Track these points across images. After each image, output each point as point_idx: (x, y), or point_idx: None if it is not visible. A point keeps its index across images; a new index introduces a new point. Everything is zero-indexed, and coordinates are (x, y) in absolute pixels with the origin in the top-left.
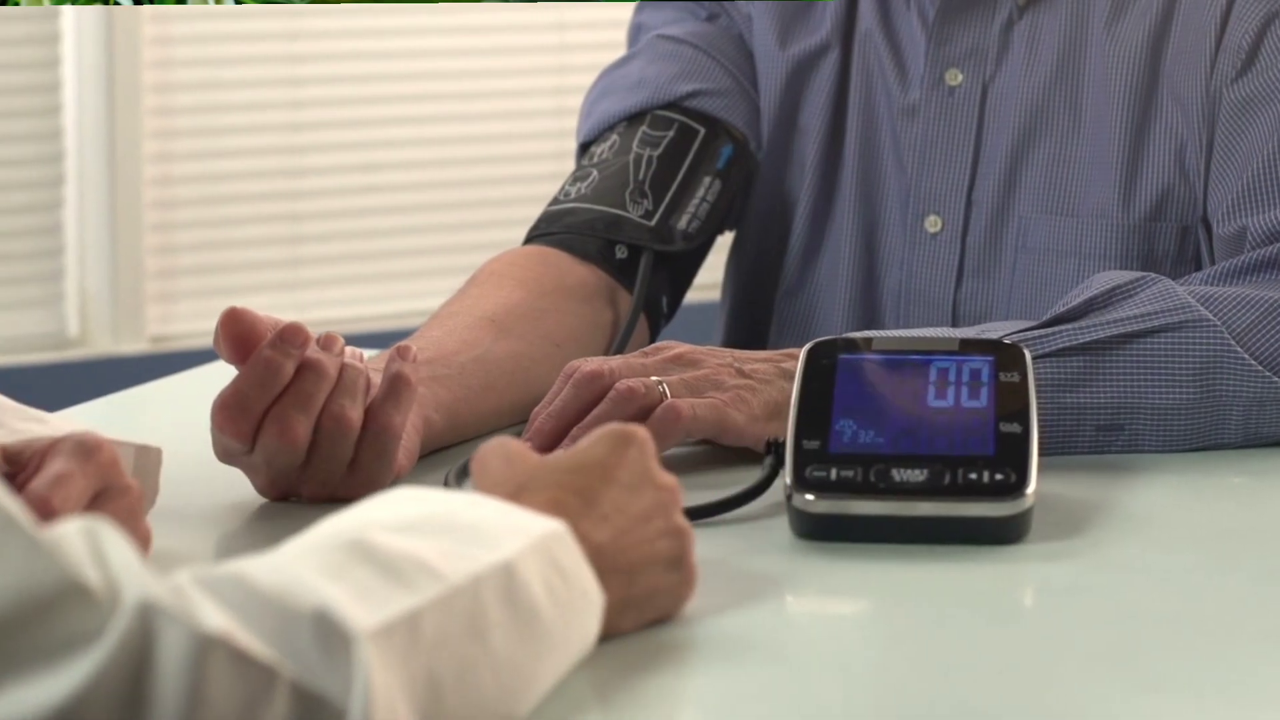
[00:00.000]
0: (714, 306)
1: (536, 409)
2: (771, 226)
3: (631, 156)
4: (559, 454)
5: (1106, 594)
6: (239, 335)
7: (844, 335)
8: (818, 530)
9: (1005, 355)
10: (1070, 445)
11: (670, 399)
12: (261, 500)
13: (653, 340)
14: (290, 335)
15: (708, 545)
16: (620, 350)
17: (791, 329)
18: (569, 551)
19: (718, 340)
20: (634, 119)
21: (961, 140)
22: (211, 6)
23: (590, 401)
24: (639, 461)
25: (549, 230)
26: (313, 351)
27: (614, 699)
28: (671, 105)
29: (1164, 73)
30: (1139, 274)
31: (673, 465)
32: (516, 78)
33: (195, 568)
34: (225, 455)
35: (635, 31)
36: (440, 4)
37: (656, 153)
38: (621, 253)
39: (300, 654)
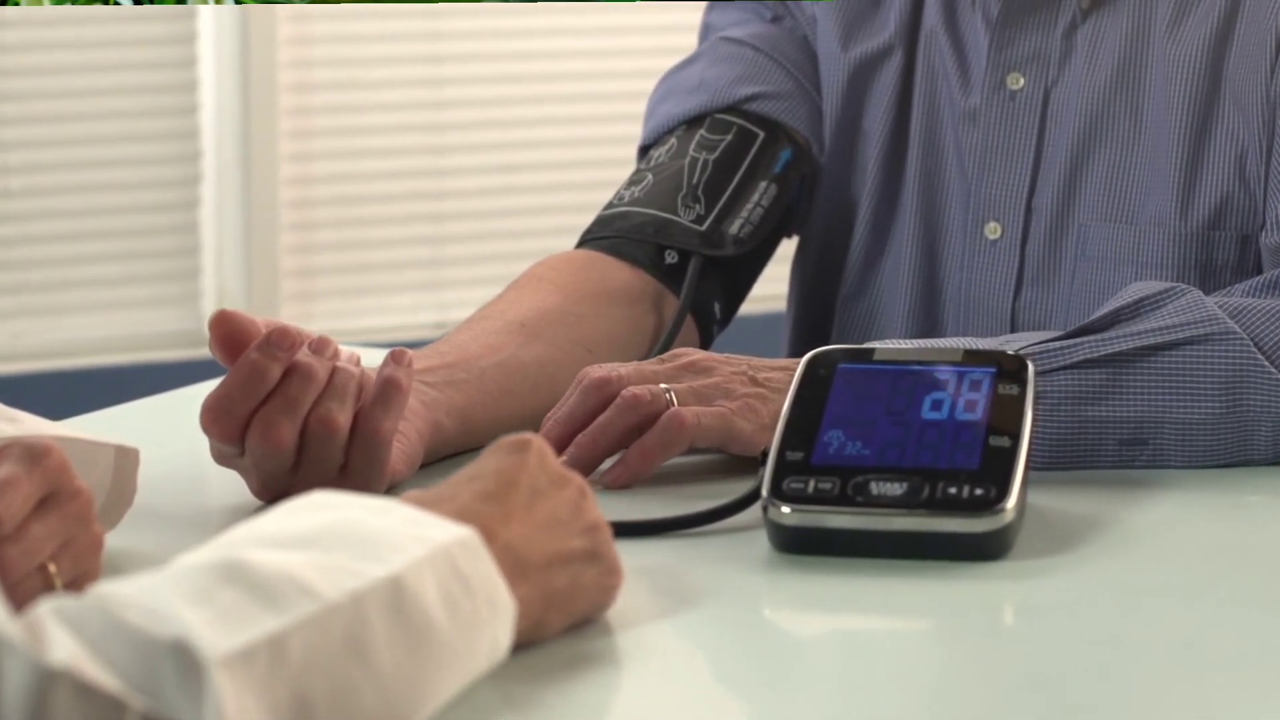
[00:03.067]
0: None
1: (548, 414)
2: (834, 230)
3: (687, 160)
4: (457, 474)
5: (1074, 615)
6: (228, 337)
7: (847, 345)
8: (793, 543)
9: (1007, 367)
10: (1093, 460)
11: (675, 407)
12: (257, 503)
13: (705, 347)
14: (278, 338)
15: (683, 555)
16: None
17: (853, 334)
18: (475, 560)
19: (784, 346)
20: (693, 122)
21: (1022, 146)
22: (352, 6)
23: (596, 408)
24: (539, 465)
25: (600, 234)
26: (302, 355)
27: (528, 708)
28: (731, 109)
29: (1226, 77)
30: (1169, 285)
31: (677, 474)
32: (657, 79)
33: (63, 598)
34: (219, 457)
35: (704, 31)
36: (584, 4)
37: (713, 156)
38: (671, 257)
39: (156, 684)
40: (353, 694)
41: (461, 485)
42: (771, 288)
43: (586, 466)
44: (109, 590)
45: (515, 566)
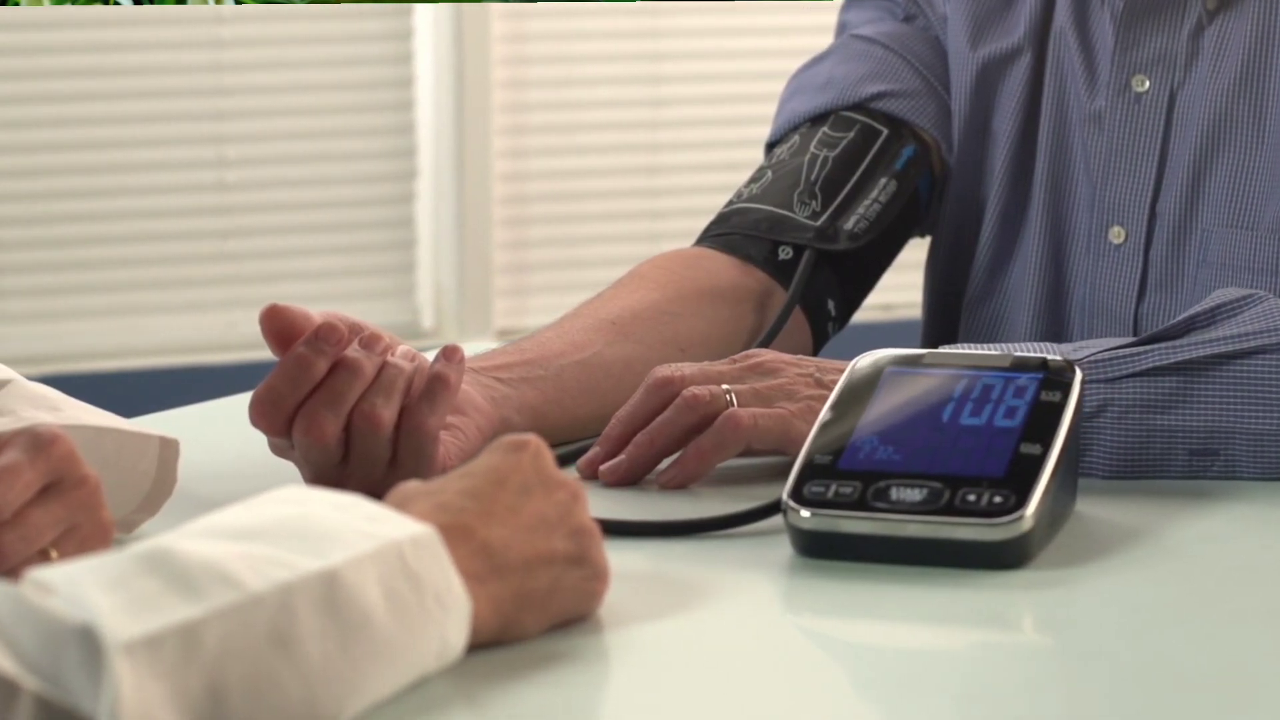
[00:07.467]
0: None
1: (616, 414)
2: (963, 232)
3: (807, 157)
4: (455, 470)
5: (1081, 629)
6: (280, 331)
7: (898, 349)
8: (813, 548)
9: (1054, 374)
10: (1163, 469)
11: (734, 408)
12: None
13: (817, 347)
14: (325, 333)
15: (705, 558)
16: None
17: (978, 337)
18: (429, 557)
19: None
20: (817, 119)
21: (1146, 150)
22: (568, 5)
23: (658, 407)
24: (531, 466)
25: (718, 231)
26: (350, 350)
27: (487, 707)
28: (857, 106)
29: None
30: (1249, 291)
31: (735, 476)
32: None
33: None
34: (276, 450)
35: (838, 29)
36: (804, 3)
37: (833, 153)
38: (785, 253)
39: (59, 668)
40: (274, 685)
41: (451, 481)
42: (907, 296)
43: (644, 466)
44: (35, 575)
45: (489, 565)
